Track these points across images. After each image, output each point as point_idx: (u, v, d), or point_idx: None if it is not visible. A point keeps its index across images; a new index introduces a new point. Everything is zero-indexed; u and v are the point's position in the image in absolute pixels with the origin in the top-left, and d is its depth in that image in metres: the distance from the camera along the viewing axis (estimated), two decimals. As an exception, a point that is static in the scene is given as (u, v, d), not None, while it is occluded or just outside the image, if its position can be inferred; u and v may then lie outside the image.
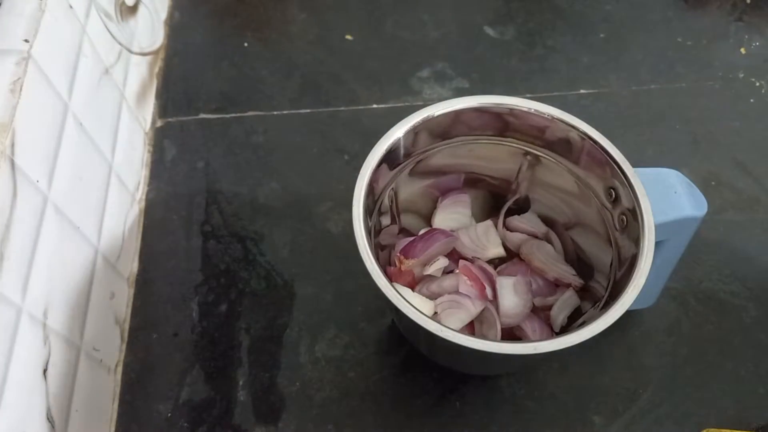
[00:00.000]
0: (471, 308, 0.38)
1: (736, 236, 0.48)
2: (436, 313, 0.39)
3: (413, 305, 0.30)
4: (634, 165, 0.35)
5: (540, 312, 0.40)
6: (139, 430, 0.40)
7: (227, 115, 0.55)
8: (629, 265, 0.33)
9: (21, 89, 0.33)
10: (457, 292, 0.39)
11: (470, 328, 0.39)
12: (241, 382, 0.42)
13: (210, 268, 0.46)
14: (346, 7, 0.62)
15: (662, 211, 0.34)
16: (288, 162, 0.52)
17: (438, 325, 0.30)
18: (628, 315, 0.38)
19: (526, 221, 0.43)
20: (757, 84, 0.58)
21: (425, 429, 0.41)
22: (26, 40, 0.34)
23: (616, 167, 0.35)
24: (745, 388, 0.42)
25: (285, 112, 0.55)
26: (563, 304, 0.40)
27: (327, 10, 0.62)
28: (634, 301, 0.31)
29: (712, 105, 0.56)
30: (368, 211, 0.35)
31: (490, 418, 0.41)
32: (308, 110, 0.55)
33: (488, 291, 0.40)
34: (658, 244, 0.35)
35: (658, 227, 0.33)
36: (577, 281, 0.40)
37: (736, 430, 0.38)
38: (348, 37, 0.60)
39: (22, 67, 0.33)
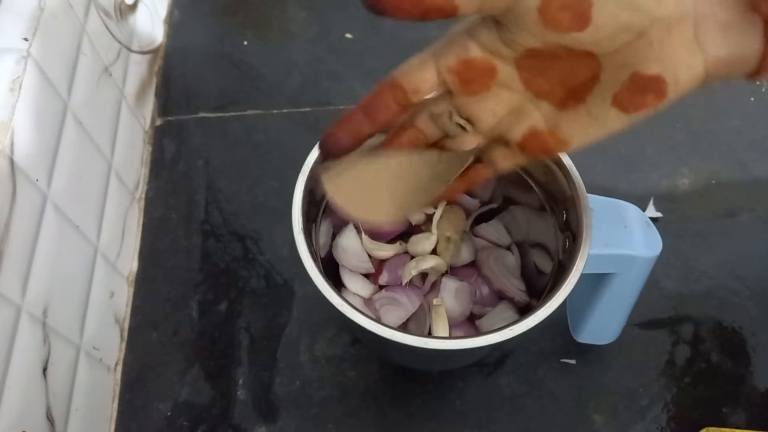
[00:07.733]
0: (408, 305, 0.39)
1: (736, 236, 0.48)
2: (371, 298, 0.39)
3: (353, 305, 0.30)
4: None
5: (477, 320, 0.40)
6: (138, 429, 0.40)
7: (227, 114, 0.54)
8: (552, 285, 0.33)
9: (20, 88, 0.33)
10: (394, 289, 0.39)
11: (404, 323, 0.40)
12: (240, 381, 0.42)
13: (209, 267, 0.46)
14: (346, 5, 0.62)
15: (607, 243, 0.33)
16: (287, 161, 0.52)
17: (358, 313, 0.30)
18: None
19: (494, 230, 0.42)
20: (757, 83, 0.58)
21: (425, 429, 0.41)
22: (26, 39, 0.34)
23: (572, 189, 0.33)
24: (744, 388, 0.42)
25: (285, 110, 0.55)
26: (495, 317, 0.39)
27: (327, 8, 0.62)
28: (594, 335, 0.29)
29: (712, 103, 0.56)
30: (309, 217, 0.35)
31: (490, 417, 0.41)
32: (308, 109, 0.55)
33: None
34: (607, 276, 0.34)
35: (598, 258, 0.32)
36: (521, 297, 0.39)
37: (736, 429, 0.38)
38: (348, 35, 0.60)
39: (21, 65, 0.33)
